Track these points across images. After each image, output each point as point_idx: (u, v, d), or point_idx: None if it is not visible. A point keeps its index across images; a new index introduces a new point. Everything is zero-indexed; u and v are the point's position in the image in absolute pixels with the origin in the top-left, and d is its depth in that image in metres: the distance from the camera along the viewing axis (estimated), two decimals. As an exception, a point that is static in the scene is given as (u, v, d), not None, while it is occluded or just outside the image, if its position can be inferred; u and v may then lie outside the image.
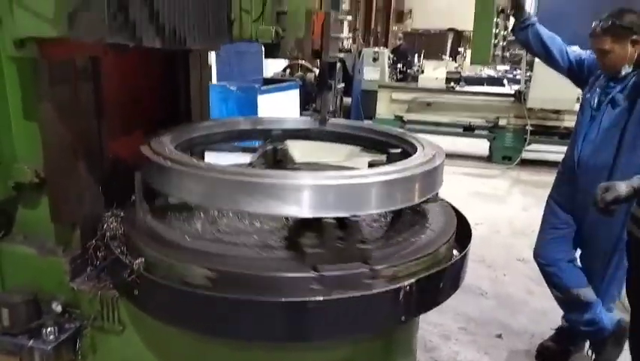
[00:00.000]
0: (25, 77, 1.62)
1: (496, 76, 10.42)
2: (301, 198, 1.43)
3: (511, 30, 2.54)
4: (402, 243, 1.69)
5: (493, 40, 2.38)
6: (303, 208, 1.44)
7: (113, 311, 1.74)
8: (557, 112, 6.70)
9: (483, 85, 9.64)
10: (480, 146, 7.53)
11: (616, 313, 2.67)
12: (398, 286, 1.48)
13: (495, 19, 2.40)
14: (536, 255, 2.70)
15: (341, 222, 1.53)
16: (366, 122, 2.48)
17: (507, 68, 12.38)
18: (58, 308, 1.71)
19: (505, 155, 7.11)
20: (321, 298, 1.39)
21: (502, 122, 7.07)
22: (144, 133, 2.06)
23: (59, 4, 1.36)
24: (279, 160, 2.35)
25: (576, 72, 2.53)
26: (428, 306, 1.68)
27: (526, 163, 6.99)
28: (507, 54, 2.52)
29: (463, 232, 2.03)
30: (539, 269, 2.70)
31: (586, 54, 2.54)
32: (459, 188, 5.82)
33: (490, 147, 7.37)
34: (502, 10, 2.42)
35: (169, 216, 1.82)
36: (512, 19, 2.54)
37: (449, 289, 1.74)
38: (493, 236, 4.49)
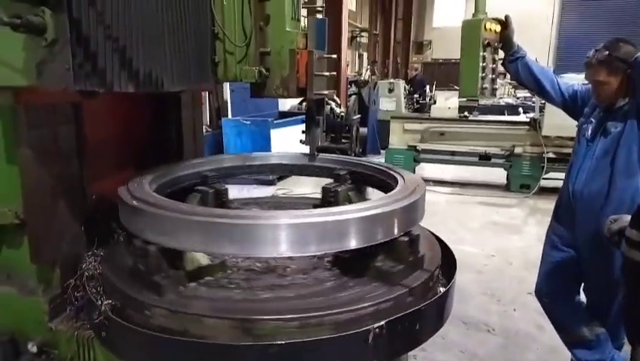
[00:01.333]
0: (5, 123, 1.68)
1: (514, 104, 10.32)
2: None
3: (502, 63, 2.52)
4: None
5: (480, 74, 2.36)
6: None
7: (89, 351, 1.74)
8: (574, 139, 6.52)
9: (503, 113, 9.58)
10: (498, 174, 7.39)
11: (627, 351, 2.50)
12: (366, 328, 1.43)
13: (482, 53, 2.39)
14: (537, 291, 2.59)
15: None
16: (356, 158, 2.44)
17: (527, 95, 12.28)
18: (34, 349, 1.72)
19: (523, 183, 6.96)
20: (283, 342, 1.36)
21: (518, 150, 6.95)
22: (133, 173, 2.11)
23: (28, 54, 1.42)
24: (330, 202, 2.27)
25: (570, 104, 2.49)
26: (405, 348, 1.61)
27: (545, 191, 6.80)
28: (496, 86, 2.47)
29: (448, 262, 1.95)
30: (541, 306, 2.58)
31: (578, 85, 2.49)
32: (473, 218, 5.71)
33: (507, 175, 7.23)
34: (489, 44, 2.41)
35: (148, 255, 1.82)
36: (502, 53, 2.52)
37: (430, 328, 1.67)
38: (505, 268, 4.34)
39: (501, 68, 2.54)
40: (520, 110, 8.89)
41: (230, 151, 7.41)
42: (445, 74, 16.17)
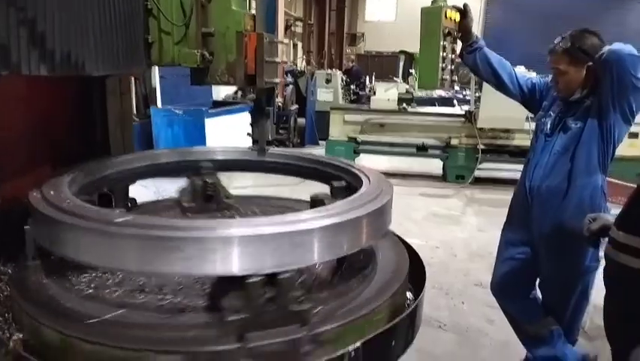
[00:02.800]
0: None
1: (446, 96, 10.59)
2: (215, 253, 1.18)
3: (459, 54, 2.41)
4: (346, 295, 1.46)
5: (440, 64, 2.24)
6: (217, 265, 1.19)
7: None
8: (507, 131, 6.77)
9: (434, 105, 9.79)
10: (434, 165, 7.51)
11: (580, 346, 2.53)
12: (341, 353, 1.25)
13: (442, 43, 2.26)
14: (492, 288, 2.55)
15: (271, 278, 1.28)
16: (305, 152, 2.21)
17: (457, 88, 12.70)
18: None
19: (458, 174, 7.11)
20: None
21: (454, 141, 7.08)
22: (51, 171, 1.77)
23: None
24: (209, 195, 2.10)
25: (528, 98, 2.43)
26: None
27: (480, 181, 7.00)
28: (455, 77, 2.36)
29: (416, 268, 1.81)
30: (497, 303, 2.55)
31: (536, 79, 2.45)
32: (415, 209, 5.72)
33: (443, 166, 7.36)
34: (449, 33, 2.29)
35: (68, 274, 1.51)
36: (460, 43, 2.41)
37: (404, 343, 1.53)
38: (450, 260, 4.36)
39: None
40: (455, 102, 9.12)
41: (160, 142, 6.91)
42: (379, 65, 16.36)
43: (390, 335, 1.41)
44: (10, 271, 1.56)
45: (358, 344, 1.29)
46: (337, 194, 1.82)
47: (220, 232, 1.21)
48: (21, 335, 1.26)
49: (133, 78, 7.19)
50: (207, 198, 2.07)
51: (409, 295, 1.78)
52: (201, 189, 2.05)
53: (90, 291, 1.41)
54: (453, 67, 2.35)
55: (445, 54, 2.27)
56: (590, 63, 2.08)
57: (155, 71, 7.20)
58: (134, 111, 7.40)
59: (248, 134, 2.28)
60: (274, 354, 1.20)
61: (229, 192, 2.16)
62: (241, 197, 2.26)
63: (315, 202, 1.82)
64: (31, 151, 1.91)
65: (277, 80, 2.06)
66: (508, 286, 2.48)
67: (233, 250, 1.19)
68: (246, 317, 1.21)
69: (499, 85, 2.42)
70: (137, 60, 1.79)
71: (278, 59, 2.02)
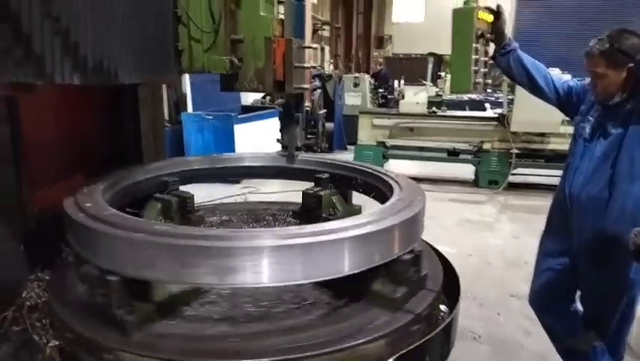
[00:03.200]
0: None
1: (477, 99, 10.35)
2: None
3: (492, 56, 2.33)
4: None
5: (473, 67, 2.17)
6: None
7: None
8: (542, 135, 6.56)
9: (465, 109, 9.59)
10: (466, 170, 7.35)
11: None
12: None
13: (474, 45, 2.20)
14: (531, 301, 2.44)
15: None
16: (333, 158, 2.17)
17: (489, 90, 12.42)
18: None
19: (491, 179, 6.93)
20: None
21: (486, 146, 6.92)
22: (85, 179, 1.79)
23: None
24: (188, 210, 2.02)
25: (564, 101, 2.32)
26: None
27: (513, 187, 6.81)
28: (489, 81, 2.29)
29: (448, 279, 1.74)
30: (536, 316, 2.44)
31: (573, 81, 2.34)
32: (446, 216, 5.60)
33: (475, 171, 7.20)
34: (482, 35, 2.22)
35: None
36: (492, 45, 2.34)
37: (439, 358, 1.47)
38: (484, 269, 4.23)
39: None
40: (487, 105, 8.90)
41: (191, 148, 7.01)
42: (408, 68, 16.17)
43: (424, 350, 1.35)
44: (47, 277, 1.57)
45: (391, 359, 1.24)
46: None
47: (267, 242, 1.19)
48: (57, 342, 1.27)
49: (165, 85, 7.36)
50: (186, 213, 1.98)
51: (442, 307, 1.73)
52: (177, 205, 1.95)
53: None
54: (486, 69, 2.28)
55: (477, 56, 2.19)
56: (631, 65, 1.97)
57: (186, 77, 7.31)
58: (166, 117, 7.56)
59: (277, 140, 2.26)
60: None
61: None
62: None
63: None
64: (65, 159, 1.93)
65: (306, 86, 2.03)
66: (547, 299, 2.37)
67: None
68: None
69: (534, 88, 2.33)
70: (168, 68, 1.79)
71: (307, 64, 2.00)
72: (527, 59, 2.32)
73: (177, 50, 1.84)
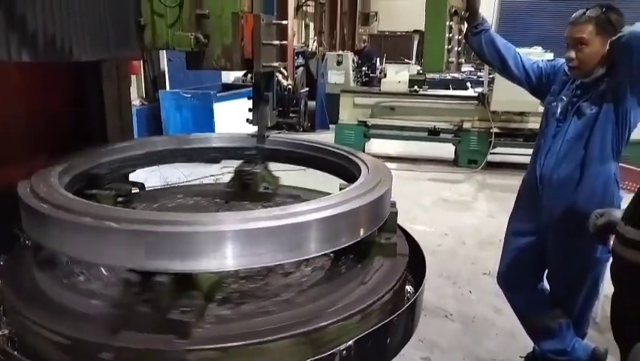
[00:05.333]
0: None
1: (460, 78, 10.35)
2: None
3: (464, 36, 2.30)
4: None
5: (446, 46, 2.13)
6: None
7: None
8: (522, 114, 6.60)
9: (448, 87, 9.57)
10: (446, 150, 7.38)
11: (591, 339, 2.46)
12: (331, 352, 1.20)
13: (448, 23, 2.16)
14: (499, 280, 2.48)
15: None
16: (315, 137, 2.12)
17: (471, 69, 12.39)
18: None
19: (470, 158, 6.98)
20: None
21: (466, 125, 6.93)
22: (47, 159, 1.74)
23: None
24: (246, 183, 2.05)
25: (534, 82, 2.31)
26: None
27: (492, 166, 6.87)
28: (462, 60, 2.25)
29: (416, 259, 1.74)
30: (504, 294, 2.48)
31: (542, 63, 2.32)
32: (424, 195, 5.64)
33: (455, 150, 7.23)
34: (456, 12, 2.18)
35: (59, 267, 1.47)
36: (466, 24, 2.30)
37: (402, 339, 1.47)
38: (459, 248, 4.29)
39: None
40: (468, 84, 8.90)
41: (169, 126, 6.89)
42: (393, 46, 16.07)
43: (386, 332, 1.35)
44: (1, 262, 1.53)
45: (351, 342, 1.24)
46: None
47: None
48: (7, 331, 1.24)
49: (142, 61, 7.17)
50: (244, 187, 2.04)
51: (408, 288, 1.73)
52: (239, 176, 2.04)
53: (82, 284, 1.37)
54: (460, 49, 2.25)
55: (451, 35, 2.16)
56: (613, 38, 1.95)
57: (163, 53, 7.14)
58: (143, 94, 7.40)
59: (247, 120, 2.22)
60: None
61: (275, 182, 2.11)
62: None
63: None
64: (24, 140, 1.87)
65: (276, 64, 1.98)
66: (514, 277, 2.41)
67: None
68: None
69: (504, 70, 2.31)
70: (129, 44, 1.72)
71: (276, 42, 1.95)
72: (499, 40, 2.30)
73: (139, 25, 1.77)
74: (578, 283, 2.22)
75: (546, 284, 2.42)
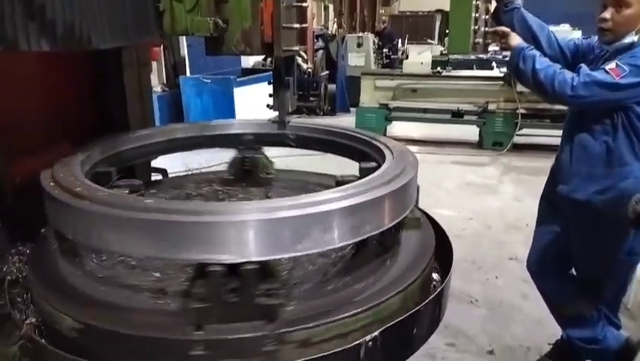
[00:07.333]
0: None
1: (485, 58, 10.04)
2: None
3: (493, 14, 2.20)
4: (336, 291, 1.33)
5: (473, 26, 2.05)
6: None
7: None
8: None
9: (472, 68, 9.32)
10: (470, 131, 7.22)
11: (624, 325, 2.39)
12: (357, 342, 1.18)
13: (475, 1, 2.07)
14: (528, 267, 2.41)
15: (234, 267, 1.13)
16: (329, 124, 2.09)
17: (497, 48, 12.03)
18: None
19: (495, 140, 6.81)
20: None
21: (491, 106, 6.76)
22: (70, 147, 1.74)
23: None
24: (248, 170, 2.10)
25: (569, 59, 2.17)
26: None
27: (518, 148, 6.70)
28: (489, 40, 2.15)
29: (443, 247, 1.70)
30: (533, 281, 2.42)
31: (578, 40, 2.20)
32: (448, 179, 5.54)
33: (480, 132, 7.06)
34: (483, -10, 2.08)
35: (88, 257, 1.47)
36: (494, 2, 2.20)
37: (428, 330, 1.44)
38: (484, 232, 4.21)
39: None
40: (494, 64, 8.64)
41: (190, 112, 6.92)
42: (414, 26, 15.71)
43: (412, 322, 1.32)
44: (28, 251, 1.55)
45: (376, 333, 1.21)
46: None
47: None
48: (34, 320, 1.25)
49: (162, 48, 7.18)
50: (246, 173, 2.08)
51: (435, 276, 1.70)
52: (240, 163, 2.07)
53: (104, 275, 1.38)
54: (487, 29, 2.15)
55: (477, 14, 2.07)
56: None
57: (183, 39, 7.14)
58: (164, 81, 7.43)
59: (268, 105, 2.18)
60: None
61: (272, 168, 2.15)
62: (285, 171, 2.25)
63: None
64: (47, 128, 1.88)
65: (296, 48, 1.94)
66: (544, 263, 2.34)
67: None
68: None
69: (536, 48, 2.19)
70: (148, 30, 1.70)
71: (296, 25, 1.90)
72: (532, 19, 2.18)
73: (158, 10, 1.74)
74: (606, 270, 2.14)
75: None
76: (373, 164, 1.69)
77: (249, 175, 2.09)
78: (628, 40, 1.89)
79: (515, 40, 2.00)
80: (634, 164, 1.97)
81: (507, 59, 1.99)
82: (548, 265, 2.31)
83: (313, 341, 1.17)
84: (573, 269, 2.33)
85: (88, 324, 1.16)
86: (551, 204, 2.26)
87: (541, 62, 1.92)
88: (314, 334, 1.17)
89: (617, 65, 1.81)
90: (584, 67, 1.88)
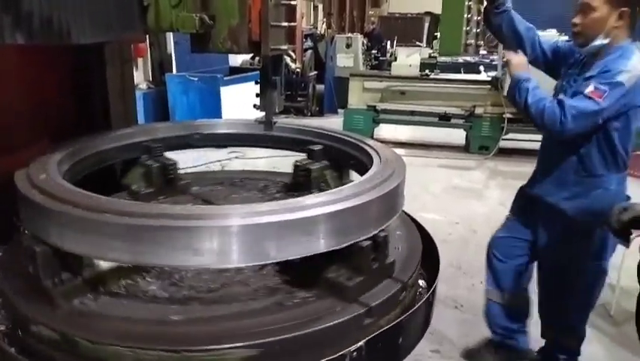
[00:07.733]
0: None
1: (472, 61, 10.11)
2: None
3: (483, 15, 2.18)
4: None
5: (464, 28, 2.03)
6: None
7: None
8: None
9: (460, 71, 9.36)
10: (457, 135, 7.24)
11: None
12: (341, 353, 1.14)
13: (467, 3, 2.05)
14: (492, 245, 2.43)
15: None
16: (316, 125, 2.05)
17: (484, 53, 12.11)
18: None
19: (482, 145, 6.84)
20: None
21: (478, 110, 6.78)
22: (48, 146, 1.68)
23: None
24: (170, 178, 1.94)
25: (549, 58, 2.20)
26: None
27: (504, 153, 6.73)
28: (481, 42, 2.14)
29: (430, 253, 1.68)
30: (487, 261, 2.48)
31: (561, 42, 2.22)
32: (434, 182, 5.54)
33: (466, 136, 7.09)
34: (476, -9, 2.07)
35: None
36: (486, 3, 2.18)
37: (415, 338, 1.42)
38: (470, 237, 4.21)
39: None
40: (481, 68, 8.69)
41: (176, 110, 6.82)
42: (403, 28, 15.78)
43: (397, 331, 1.29)
44: (1, 253, 1.48)
45: (361, 343, 1.18)
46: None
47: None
48: (3, 327, 1.19)
49: (148, 44, 7.07)
50: (167, 182, 1.92)
51: (421, 282, 1.67)
52: (158, 171, 1.88)
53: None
54: (479, 30, 2.13)
55: (469, 15, 2.05)
56: (625, 9, 1.86)
57: (170, 36, 7.04)
58: (150, 78, 7.31)
59: (254, 106, 2.14)
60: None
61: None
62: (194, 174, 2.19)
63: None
64: (26, 124, 1.81)
65: (284, 47, 1.90)
66: (508, 247, 2.41)
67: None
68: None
69: (520, 49, 2.20)
70: (131, 26, 1.65)
71: (284, 23, 1.86)
72: (519, 21, 2.19)
73: (142, 5, 1.69)
74: (570, 283, 2.15)
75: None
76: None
77: (169, 184, 1.93)
78: (597, 42, 1.95)
79: (514, 69, 2.02)
80: (605, 175, 2.00)
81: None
82: (513, 248, 2.38)
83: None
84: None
85: (61, 332, 1.11)
86: (526, 200, 2.35)
87: (534, 96, 1.95)
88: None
89: (595, 87, 1.84)
90: (565, 100, 1.91)
